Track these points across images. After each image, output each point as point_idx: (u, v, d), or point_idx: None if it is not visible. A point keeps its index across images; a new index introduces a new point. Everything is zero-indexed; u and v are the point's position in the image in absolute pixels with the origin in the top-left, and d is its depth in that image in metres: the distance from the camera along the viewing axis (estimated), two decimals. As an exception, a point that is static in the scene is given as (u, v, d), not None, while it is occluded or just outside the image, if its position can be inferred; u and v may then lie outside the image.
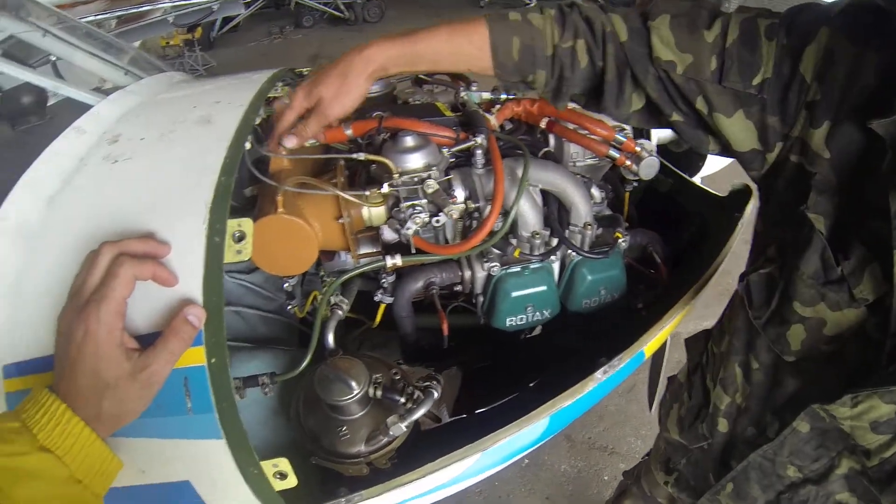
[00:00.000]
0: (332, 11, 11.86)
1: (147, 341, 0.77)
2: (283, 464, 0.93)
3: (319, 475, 1.10)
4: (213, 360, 0.84)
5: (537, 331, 1.48)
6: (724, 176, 1.71)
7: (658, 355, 1.80)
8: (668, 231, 1.39)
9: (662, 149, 1.50)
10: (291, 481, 0.95)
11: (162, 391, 0.77)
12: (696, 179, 1.58)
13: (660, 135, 1.40)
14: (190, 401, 0.84)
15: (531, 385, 1.41)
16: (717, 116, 0.85)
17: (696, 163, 1.59)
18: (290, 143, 1.01)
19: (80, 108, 1.31)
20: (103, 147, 1.12)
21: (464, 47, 0.93)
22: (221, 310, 0.85)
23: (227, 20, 10.55)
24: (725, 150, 0.91)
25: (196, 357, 0.83)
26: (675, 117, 0.91)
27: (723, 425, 1.09)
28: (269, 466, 0.92)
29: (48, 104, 1.77)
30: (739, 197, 1.35)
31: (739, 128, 0.85)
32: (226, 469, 0.88)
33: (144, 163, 1.07)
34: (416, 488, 1.06)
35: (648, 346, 1.23)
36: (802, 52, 0.78)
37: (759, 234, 0.98)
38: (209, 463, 0.88)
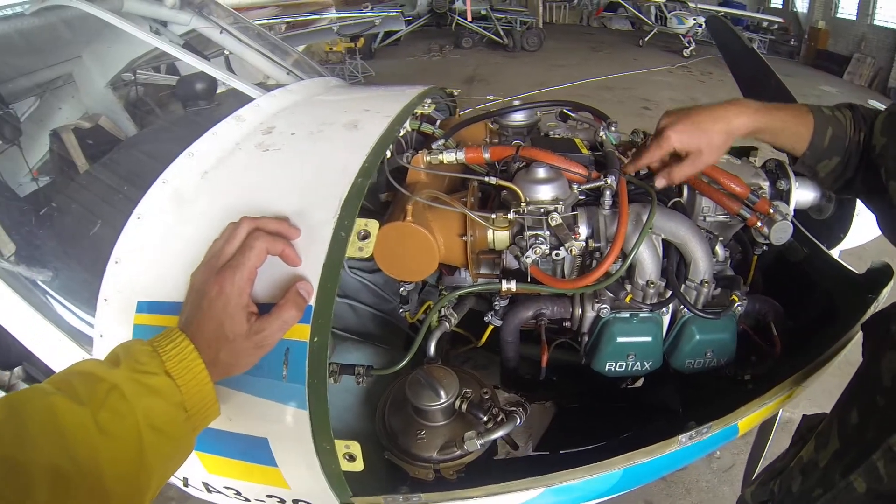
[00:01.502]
0: (491, 36, 12.33)
1: (263, 310, 0.86)
2: (354, 447, 0.99)
3: (386, 470, 1.15)
4: (315, 340, 0.92)
5: (639, 382, 1.44)
6: (866, 252, 1.59)
7: (761, 439, 1.68)
8: (793, 304, 1.31)
9: (802, 215, 1.41)
10: (358, 465, 1.00)
11: (266, 355, 0.86)
12: (835, 252, 1.47)
13: (800, 199, 1.32)
14: (286, 369, 0.93)
15: (622, 437, 1.37)
16: (892, 184, 0.99)
17: (836, 234, 1.48)
18: (660, 183, 1.12)
19: (244, 99, 1.47)
20: (258, 136, 1.26)
21: (798, 128, 1.09)
22: (333, 297, 0.92)
23: (388, 34, 11.31)
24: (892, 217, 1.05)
25: (302, 333, 0.92)
26: (874, 198, 1.10)
27: (795, 483, 1.05)
28: (341, 446, 0.98)
29: (217, 91, 1.98)
30: (877, 277, 1.25)
31: None
32: (302, 437, 0.95)
33: (291, 155, 1.18)
34: None
35: (744, 420, 1.16)
36: None
37: None
38: (289, 428, 0.96)
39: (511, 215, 1.06)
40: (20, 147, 2.00)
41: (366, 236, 0.96)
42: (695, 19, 11.56)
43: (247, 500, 1.18)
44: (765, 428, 1.65)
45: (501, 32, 12.20)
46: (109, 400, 0.68)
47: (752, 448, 1.78)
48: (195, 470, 1.11)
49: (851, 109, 1.12)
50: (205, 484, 1.17)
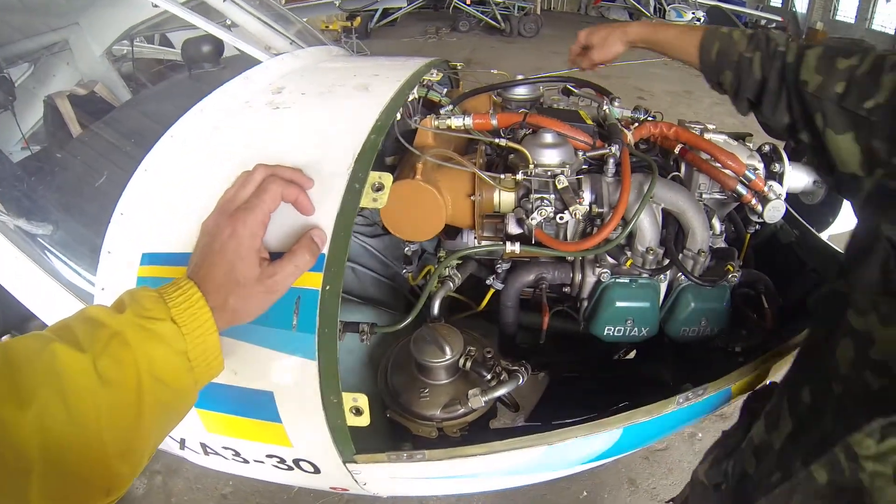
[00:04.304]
0: (488, 20, 12.32)
1: (274, 258, 0.84)
2: (362, 400, 0.98)
3: (388, 428, 1.16)
4: (327, 288, 0.91)
5: (632, 354, 1.47)
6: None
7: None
8: (783, 283, 1.35)
9: (794, 199, 1.46)
10: (364, 420, 1.00)
11: (275, 304, 0.84)
12: (824, 236, 1.51)
13: (792, 183, 1.36)
14: (297, 318, 0.92)
15: (612, 409, 1.40)
16: (828, 132, 0.96)
17: (826, 218, 1.53)
18: (585, 64, 1.47)
19: (250, 63, 1.47)
20: (267, 95, 1.26)
21: (684, 42, 1.25)
22: (347, 246, 0.92)
23: (385, 13, 11.21)
24: (832, 172, 1.01)
25: (313, 281, 0.91)
26: (805, 138, 1.07)
27: (749, 463, 1.03)
28: (348, 399, 0.98)
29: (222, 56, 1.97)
30: None
31: (846, 147, 0.94)
32: (309, 390, 0.95)
33: (302, 112, 1.18)
34: (476, 465, 1.09)
35: (737, 385, 1.19)
36: None
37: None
38: (296, 381, 0.96)
39: (519, 176, 1.08)
40: (14, 112, 1.99)
41: (380, 188, 0.96)
42: (693, 13, 11.58)
43: (245, 461, 1.17)
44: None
45: (499, 17, 12.18)
46: (111, 346, 0.66)
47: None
48: (193, 429, 1.10)
49: (754, 32, 1.17)
50: (202, 445, 1.16)
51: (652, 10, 12.82)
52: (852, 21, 13.49)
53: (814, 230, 1.47)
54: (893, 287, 0.76)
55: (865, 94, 0.90)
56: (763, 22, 12.60)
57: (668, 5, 12.29)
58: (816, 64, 1.00)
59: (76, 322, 0.69)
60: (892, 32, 11.22)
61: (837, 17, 14.01)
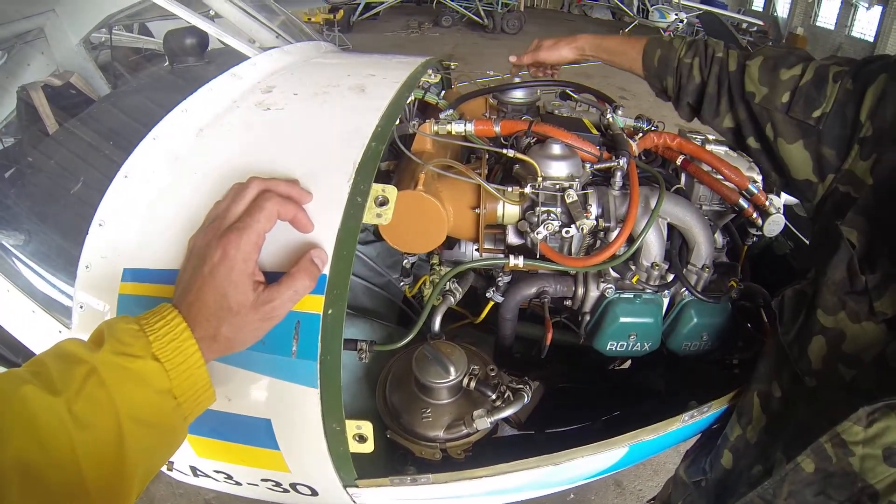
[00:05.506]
0: (471, 16, 12.29)
1: (270, 279, 0.78)
2: (366, 427, 0.93)
3: (388, 449, 1.11)
4: (329, 312, 0.85)
5: (626, 364, 1.45)
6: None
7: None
8: (776, 294, 1.34)
9: (788, 211, 1.45)
10: (368, 447, 0.95)
11: (273, 329, 0.79)
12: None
13: (787, 197, 1.36)
14: (296, 345, 0.86)
15: (605, 418, 1.38)
16: (780, 141, 1.01)
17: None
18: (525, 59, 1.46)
19: (237, 58, 1.39)
20: (257, 94, 1.19)
21: (629, 50, 1.27)
22: (350, 266, 0.86)
23: (368, 6, 11.11)
24: (784, 178, 1.06)
25: (314, 304, 0.85)
26: (752, 143, 1.12)
27: (727, 459, 1.08)
28: (352, 427, 0.92)
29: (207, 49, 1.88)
30: None
31: (798, 155, 0.99)
32: (310, 418, 0.89)
33: (296, 116, 1.12)
34: (481, 486, 1.04)
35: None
36: (863, 95, 0.90)
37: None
38: (296, 408, 0.90)
39: (528, 189, 1.04)
40: (-15, 104, 1.89)
41: (384, 202, 0.90)
42: (676, 15, 11.65)
43: (238, 483, 1.12)
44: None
45: (482, 13, 12.18)
46: (87, 387, 0.62)
47: None
48: (183, 454, 1.04)
49: (693, 40, 1.22)
50: (192, 468, 1.10)
51: (635, 10, 12.88)
52: (832, 27, 13.71)
53: (808, 242, 1.47)
54: (858, 286, 0.81)
55: (812, 104, 0.95)
56: (745, 25, 12.75)
57: (651, 6, 12.35)
58: (759, 75, 1.04)
59: (51, 359, 0.65)
60: (871, 40, 11.45)
61: (818, 23, 14.23)
